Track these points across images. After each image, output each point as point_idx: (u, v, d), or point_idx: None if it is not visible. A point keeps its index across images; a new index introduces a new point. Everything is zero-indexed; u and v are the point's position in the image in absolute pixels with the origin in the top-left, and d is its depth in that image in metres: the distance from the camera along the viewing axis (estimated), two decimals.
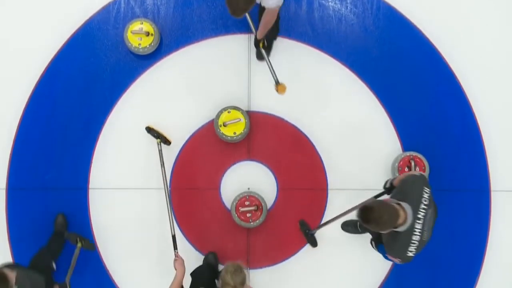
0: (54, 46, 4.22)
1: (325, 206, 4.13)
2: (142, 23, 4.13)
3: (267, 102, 4.18)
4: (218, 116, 4.05)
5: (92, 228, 4.15)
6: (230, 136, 4.04)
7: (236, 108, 4.06)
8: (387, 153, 4.14)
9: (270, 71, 3.78)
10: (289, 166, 4.16)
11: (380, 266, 4.07)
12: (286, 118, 4.18)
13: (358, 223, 3.90)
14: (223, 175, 4.17)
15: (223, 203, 4.14)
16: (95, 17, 4.24)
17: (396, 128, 4.12)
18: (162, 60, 4.22)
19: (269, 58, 3.82)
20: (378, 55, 4.16)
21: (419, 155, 4.04)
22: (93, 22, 4.24)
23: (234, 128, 4.04)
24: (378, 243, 3.35)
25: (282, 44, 4.19)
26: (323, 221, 4.04)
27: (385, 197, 3.29)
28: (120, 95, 4.20)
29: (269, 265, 4.08)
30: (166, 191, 3.85)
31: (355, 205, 3.48)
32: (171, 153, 4.17)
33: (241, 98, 4.18)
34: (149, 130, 4.04)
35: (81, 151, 4.18)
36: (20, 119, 4.19)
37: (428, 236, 2.95)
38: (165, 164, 3.93)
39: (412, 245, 2.90)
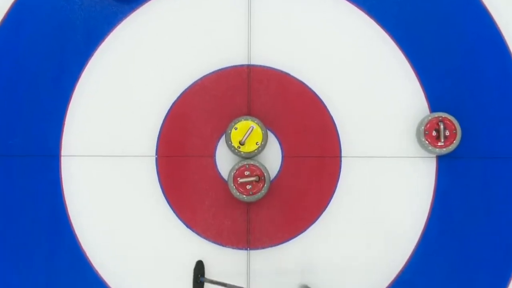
0: None
1: (338, 177, 3.90)
2: None
3: (270, 55, 3.90)
4: (229, 142, 3.83)
5: (65, 200, 3.95)
6: (256, 149, 3.84)
7: (240, 119, 3.83)
8: (411, 114, 3.87)
9: None
10: (296, 130, 3.93)
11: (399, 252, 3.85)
12: (293, 73, 3.91)
13: None
14: (218, 141, 3.93)
15: (219, 172, 3.94)
16: None
17: (422, 85, 3.88)
18: (146, 4, 3.93)
19: None
20: None
21: (450, 117, 3.76)
22: None
23: (254, 140, 3.83)
24: None
25: None
26: None
27: None
28: (96, 47, 3.94)
29: (272, 245, 3.91)
30: None
31: None
32: (157, 115, 3.93)
33: (239, 50, 3.90)
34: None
35: (52, 113, 3.93)
36: None
37: None
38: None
39: None
